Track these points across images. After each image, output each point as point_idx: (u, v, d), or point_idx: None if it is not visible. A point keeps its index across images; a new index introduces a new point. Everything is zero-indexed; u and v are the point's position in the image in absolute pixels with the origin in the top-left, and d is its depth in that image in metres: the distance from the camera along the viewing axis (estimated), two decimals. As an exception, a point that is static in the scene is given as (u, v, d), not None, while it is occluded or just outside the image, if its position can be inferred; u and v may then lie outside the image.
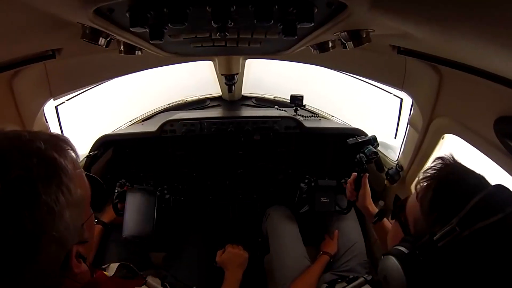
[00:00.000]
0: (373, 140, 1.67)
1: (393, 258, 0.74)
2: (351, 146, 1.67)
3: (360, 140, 1.67)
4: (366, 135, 1.97)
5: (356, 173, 1.58)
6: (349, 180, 1.63)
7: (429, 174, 0.79)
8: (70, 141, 0.68)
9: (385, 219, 1.42)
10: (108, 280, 0.93)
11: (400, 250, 0.74)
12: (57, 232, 0.58)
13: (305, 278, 1.58)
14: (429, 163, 1.51)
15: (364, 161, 1.59)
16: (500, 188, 0.69)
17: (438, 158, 0.81)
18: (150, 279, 1.14)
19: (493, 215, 0.63)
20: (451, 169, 0.78)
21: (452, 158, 0.80)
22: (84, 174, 0.70)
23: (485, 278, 0.65)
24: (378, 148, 1.93)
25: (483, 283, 0.66)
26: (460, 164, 0.79)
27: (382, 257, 0.79)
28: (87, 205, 0.71)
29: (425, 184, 0.79)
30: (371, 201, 1.53)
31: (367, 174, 1.57)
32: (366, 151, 1.61)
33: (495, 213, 0.63)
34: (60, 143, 0.65)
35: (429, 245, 0.69)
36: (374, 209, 1.51)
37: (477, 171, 0.76)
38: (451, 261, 0.68)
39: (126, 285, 0.97)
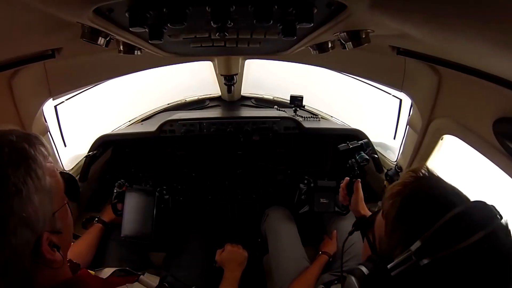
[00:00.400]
0: (365, 146, 1.61)
1: (352, 278, 0.72)
2: (342, 152, 1.63)
3: (351, 146, 1.62)
4: (363, 138, 1.97)
5: (348, 178, 1.56)
6: (341, 184, 1.61)
7: (395, 190, 0.72)
8: (42, 139, 0.73)
9: None
10: (91, 278, 0.93)
11: (361, 270, 0.71)
12: (26, 214, 0.62)
13: (304, 279, 1.58)
14: (428, 164, 1.52)
15: (355, 167, 1.56)
16: (473, 208, 0.61)
17: (410, 170, 0.74)
18: (145, 277, 1.14)
19: (458, 242, 0.56)
20: (420, 184, 0.70)
21: (426, 170, 0.72)
22: (55, 168, 0.75)
23: None
24: (377, 148, 1.93)
25: None
26: (433, 178, 0.71)
27: (347, 274, 0.77)
28: (59, 194, 0.74)
29: (390, 201, 0.72)
30: (364, 206, 1.50)
31: (359, 180, 1.55)
32: (358, 157, 1.57)
33: (462, 239, 0.56)
34: (32, 139, 0.70)
35: (383, 272, 0.65)
36: (367, 213, 1.48)
37: (454, 186, 0.68)
38: None
39: (112, 283, 0.97)
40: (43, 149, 0.71)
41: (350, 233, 1.17)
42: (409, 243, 0.62)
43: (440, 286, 0.60)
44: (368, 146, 1.62)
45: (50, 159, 0.73)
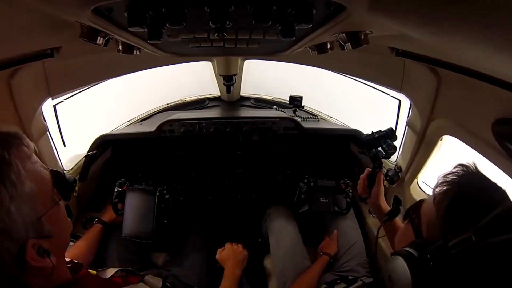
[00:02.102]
0: (390, 133, 1.53)
1: (401, 259, 0.73)
2: (368, 141, 1.54)
3: (377, 136, 1.53)
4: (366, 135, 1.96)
5: (371, 169, 1.50)
6: (362, 175, 1.53)
7: (449, 179, 0.77)
8: (24, 138, 0.70)
9: (396, 218, 1.35)
10: (92, 279, 0.91)
11: (410, 252, 0.73)
12: (3, 224, 0.60)
13: (305, 279, 1.58)
14: (427, 165, 1.52)
15: (381, 156, 1.48)
16: None
17: (460, 164, 0.79)
18: (149, 277, 1.13)
19: (509, 231, 0.62)
20: (472, 177, 0.76)
21: (474, 167, 0.77)
22: (41, 168, 0.71)
23: None
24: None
25: None
26: (482, 174, 0.77)
27: (390, 256, 0.78)
28: (45, 197, 0.70)
29: (444, 188, 0.76)
30: (384, 199, 1.46)
31: (382, 170, 1.49)
32: (385, 146, 1.48)
33: None
34: (10, 139, 0.67)
35: (442, 250, 0.68)
36: (386, 207, 1.44)
37: (500, 184, 0.74)
38: (461, 270, 0.67)
39: (114, 283, 0.95)
40: (25, 149, 0.68)
41: (387, 219, 1.26)
42: (463, 229, 0.66)
43: (489, 268, 0.65)
44: (393, 133, 1.53)
45: (34, 158, 0.70)
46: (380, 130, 1.56)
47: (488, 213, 0.64)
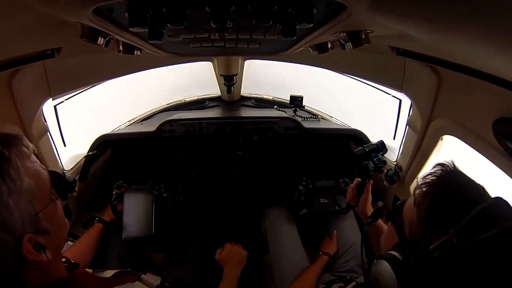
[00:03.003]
0: (381, 146, 1.60)
1: (386, 263, 0.73)
2: (359, 156, 1.62)
3: (367, 150, 1.61)
4: (363, 138, 1.97)
5: (360, 179, 1.58)
6: (351, 184, 1.63)
7: (428, 180, 0.77)
8: (23, 139, 0.73)
9: (380, 221, 1.39)
10: (88, 277, 0.92)
11: (394, 255, 0.73)
12: (1, 217, 0.62)
13: (304, 279, 1.58)
14: (428, 164, 1.52)
15: (371, 169, 1.56)
16: (499, 201, 0.67)
17: (439, 164, 0.79)
18: (147, 276, 1.13)
19: (491, 228, 0.62)
20: (451, 177, 0.76)
21: (453, 165, 0.78)
22: (39, 167, 0.74)
23: None
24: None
25: None
26: (460, 172, 0.77)
27: (375, 260, 0.78)
28: (43, 194, 0.72)
29: (423, 190, 0.77)
30: (370, 207, 1.54)
31: (371, 181, 1.56)
32: (375, 159, 1.57)
33: (493, 226, 0.62)
34: (10, 139, 0.69)
35: (425, 253, 0.68)
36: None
37: (478, 181, 0.75)
38: (444, 271, 0.67)
39: (109, 282, 0.96)
40: (24, 149, 0.70)
41: (371, 221, 1.24)
42: (444, 229, 0.66)
43: (472, 268, 0.65)
44: (383, 146, 1.61)
45: (33, 158, 0.73)
46: (371, 143, 1.66)
47: (467, 213, 0.65)
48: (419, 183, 0.79)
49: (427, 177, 0.78)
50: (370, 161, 1.60)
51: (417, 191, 0.78)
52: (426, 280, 0.68)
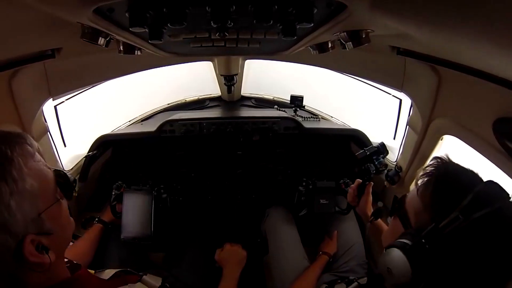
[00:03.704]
0: (382, 149, 1.62)
1: (397, 250, 0.77)
2: (360, 159, 1.64)
3: (368, 153, 1.64)
4: (363, 138, 1.97)
5: (361, 180, 1.60)
6: (352, 185, 1.65)
7: (428, 171, 0.85)
8: (28, 137, 0.71)
9: (380, 220, 1.45)
10: (91, 278, 0.92)
11: (404, 242, 0.77)
12: (2, 219, 0.61)
13: (304, 279, 1.58)
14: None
15: (372, 171, 1.57)
16: (492, 182, 0.76)
17: (435, 157, 0.87)
18: (148, 277, 1.13)
19: (489, 205, 0.70)
20: (448, 166, 0.84)
21: (447, 158, 0.85)
22: (43, 167, 0.72)
23: (483, 262, 0.71)
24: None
25: (482, 267, 0.71)
26: (455, 162, 0.85)
27: (384, 250, 0.81)
28: (47, 194, 0.71)
29: (425, 180, 0.84)
30: (371, 208, 1.56)
31: (372, 183, 1.58)
32: (377, 163, 1.59)
33: (491, 204, 0.70)
34: (13, 138, 0.68)
35: (435, 232, 0.74)
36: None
37: (471, 168, 0.82)
38: (454, 248, 0.72)
39: (111, 283, 0.95)
40: (28, 148, 0.69)
41: (373, 219, 1.39)
42: (449, 211, 0.73)
43: (477, 241, 0.71)
44: (384, 148, 1.63)
45: (37, 157, 0.71)
46: (372, 146, 1.67)
47: (468, 193, 0.72)
48: (420, 175, 0.87)
49: (426, 169, 0.86)
50: (371, 164, 1.61)
51: (419, 182, 0.86)
52: (437, 259, 0.73)
